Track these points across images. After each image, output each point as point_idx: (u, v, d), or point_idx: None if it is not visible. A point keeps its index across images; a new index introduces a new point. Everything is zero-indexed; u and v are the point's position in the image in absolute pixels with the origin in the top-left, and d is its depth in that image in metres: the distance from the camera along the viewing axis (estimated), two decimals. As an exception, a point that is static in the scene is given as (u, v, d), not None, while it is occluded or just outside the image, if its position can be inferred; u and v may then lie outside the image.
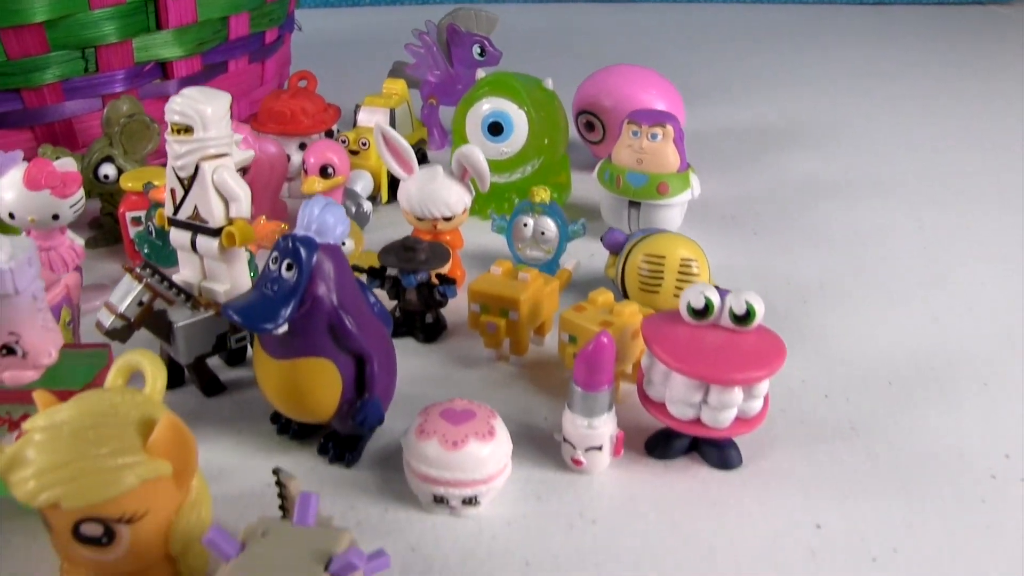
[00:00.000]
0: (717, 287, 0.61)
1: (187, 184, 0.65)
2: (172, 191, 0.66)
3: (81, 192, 0.77)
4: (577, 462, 0.61)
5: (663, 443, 0.63)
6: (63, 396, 0.54)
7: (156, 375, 0.54)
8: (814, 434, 0.65)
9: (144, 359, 0.55)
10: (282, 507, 0.55)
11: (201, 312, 0.67)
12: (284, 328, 0.57)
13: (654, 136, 0.83)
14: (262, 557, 0.46)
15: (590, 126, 0.98)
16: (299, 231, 0.58)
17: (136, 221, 0.83)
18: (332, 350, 0.59)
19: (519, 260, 0.82)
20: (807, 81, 1.71)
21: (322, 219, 0.58)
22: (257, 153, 0.87)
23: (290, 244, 0.57)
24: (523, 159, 0.90)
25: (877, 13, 2.43)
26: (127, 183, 0.83)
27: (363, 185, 0.89)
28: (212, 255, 0.66)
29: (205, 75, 1.03)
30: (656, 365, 0.60)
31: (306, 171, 0.85)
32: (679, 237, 0.71)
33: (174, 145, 0.63)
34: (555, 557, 0.55)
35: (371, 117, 0.93)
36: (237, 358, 0.72)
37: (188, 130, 0.62)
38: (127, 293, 0.65)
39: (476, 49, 1.00)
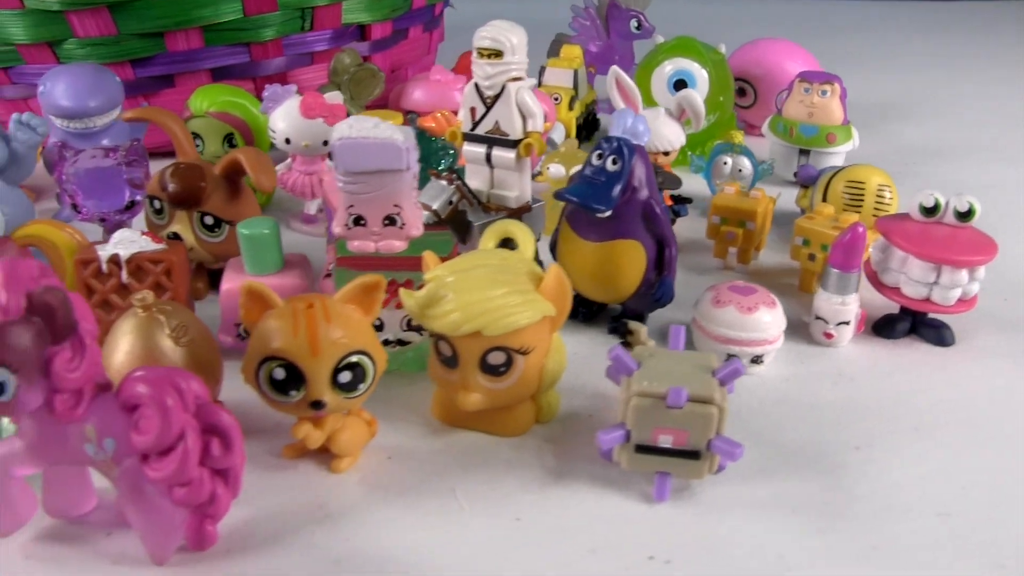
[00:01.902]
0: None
1: (490, 103, 0.76)
2: (472, 109, 0.77)
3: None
4: (828, 335, 0.74)
5: (889, 325, 0.76)
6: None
7: (527, 240, 0.65)
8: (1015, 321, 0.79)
9: (514, 227, 0.66)
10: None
11: (492, 215, 0.78)
12: (609, 212, 0.68)
13: (824, 92, 0.97)
14: (660, 368, 0.57)
15: (742, 91, 1.12)
16: (616, 134, 0.70)
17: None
18: (642, 234, 0.70)
19: (715, 193, 0.94)
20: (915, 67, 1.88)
21: (634, 126, 0.70)
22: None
23: (615, 143, 0.69)
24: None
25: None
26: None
27: (558, 134, 1.01)
28: (507, 165, 0.77)
29: (393, 39, 1.14)
30: (893, 254, 0.73)
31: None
32: (873, 167, 0.85)
33: (485, 67, 0.74)
34: (830, 404, 0.67)
35: (557, 77, 1.06)
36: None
37: (498, 54, 0.74)
38: (440, 193, 0.75)
39: (633, 23, 1.14)
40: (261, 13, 1.01)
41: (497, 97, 0.75)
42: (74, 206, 0.82)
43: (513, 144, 0.76)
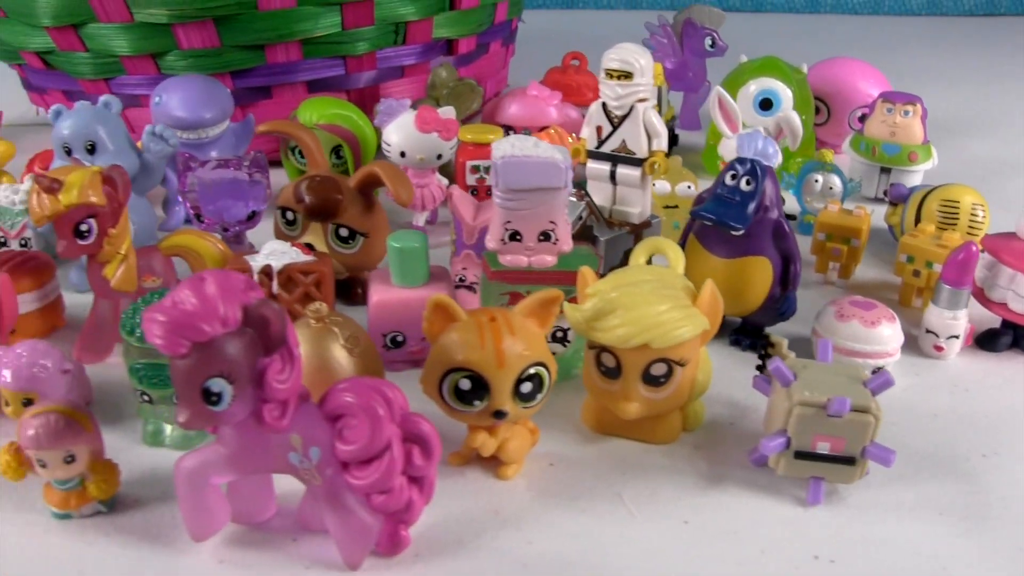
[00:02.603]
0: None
1: (617, 122, 0.79)
2: (598, 128, 0.80)
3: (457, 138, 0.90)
4: (939, 348, 0.77)
5: (992, 339, 0.80)
6: (573, 278, 0.68)
7: (678, 256, 0.68)
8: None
9: (664, 243, 0.69)
10: (760, 367, 0.69)
11: (616, 230, 0.81)
12: (743, 230, 0.72)
13: (906, 112, 1.01)
14: (816, 379, 0.61)
15: (815, 110, 1.15)
16: (747, 155, 0.73)
17: (475, 169, 0.96)
18: (771, 250, 0.74)
19: (806, 211, 0.98)
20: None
21: (764, 149, 0.74)
22: (562, 118, 1.02)
23: (748, 164, 0.72)
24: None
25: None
26: (466, 135, 0.96)
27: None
28: (632, 183, 0.80)
29: (476, 53, 1.17)
30: (1001, 271, 0.77)
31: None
32: (965, 187, 0.89)
33: (615, 88, 0.77)
34: (949, 413, 0.71)
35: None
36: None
37: (628, 76, 0.77)
38: (571, 209, 0.78)
39: (708, 41, 1.17)
40: (358, 27, 1.04)
41: (625, 117, 0.79)
42: (197, 216, 0.84)
43: (638, 162, 0.79)
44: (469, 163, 0.97)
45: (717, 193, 0.73)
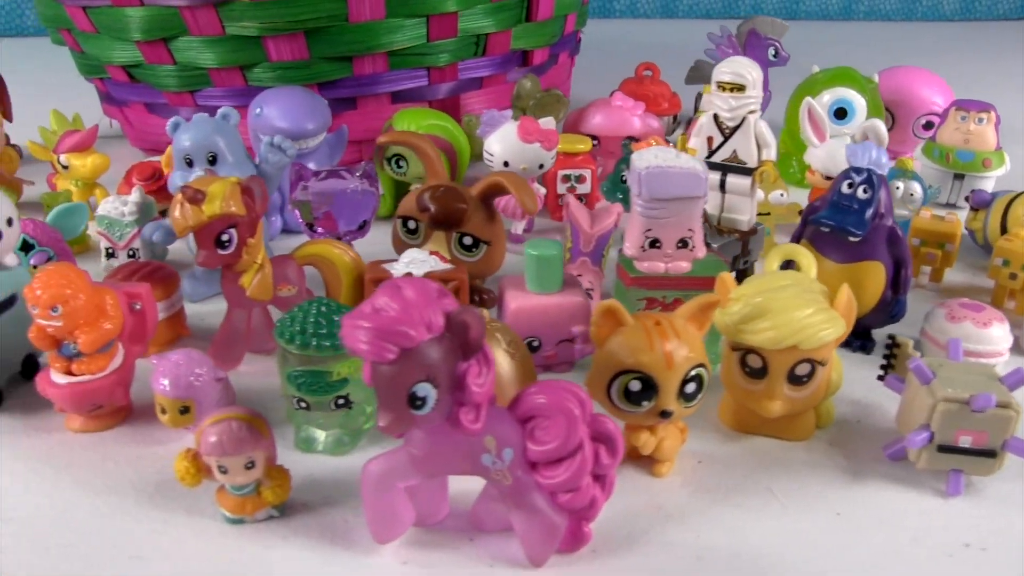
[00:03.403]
0: None
1: (728, 133, 0.82)
2: (709, 138, 0.83)
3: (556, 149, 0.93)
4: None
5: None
6: (709, 283, 0.71)
7: (810, 262, 0.71)
8: None
9: (796, 250, 0.72)
10: (885, 366, 0.72)
11: (725, 237, 0.83)
12: (862, 236, 0.75)
13: (980, 120, 1.05)
14: (954, 377, 0.64)
15: (879, 118, 1.20)
16: (862, 164, 0.76)
17: (566, 178, 0.99)
18: (884, 255, 0.77)
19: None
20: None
21: (878, 159, 0.77)
22: (644, 128, 1.04)
23: (865, 174, 0.75)
24: (861, 140, 1.09)
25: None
26: (559, 146, 0.99)
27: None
28: (741, 191, 0.83)
29: (548, 64, 1.19)
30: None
31: (693, 141, 1.03)
32: (1050, 191, 0.93)
33: (728, 100, 0.80)
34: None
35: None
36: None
37: (741, 88, 0.80)
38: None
39: (771, 51, 1.20)
40: (442, 39, 1.06)
41: (736, 128, 0.82)
42: (310, 226, 0.86)
43: (748, 171, 0.82)
44: (561, 172, 1.00)
45: (833, 200, 0.76)
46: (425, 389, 0.50)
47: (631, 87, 1.13)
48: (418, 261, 0.72)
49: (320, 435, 0.68)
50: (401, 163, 0.96)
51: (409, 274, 0.72)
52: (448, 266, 0.73)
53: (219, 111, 0.83)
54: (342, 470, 0.66)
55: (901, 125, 1.18)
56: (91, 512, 0.62)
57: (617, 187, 0.92)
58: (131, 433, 0.71)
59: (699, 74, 1.26)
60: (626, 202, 0.95)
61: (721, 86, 0.80)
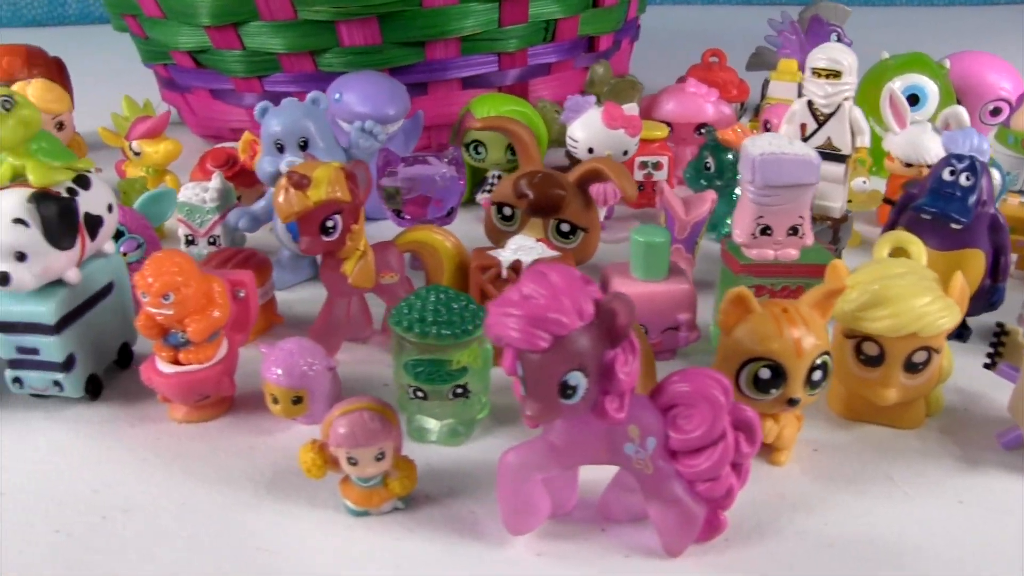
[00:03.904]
0: None
1: (822, 119, 0.81)
2: (803, 125, 0.82)
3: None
4: None
5: None
6: (817, 270, 0.71)
7: (920, 250, 0.71)
8: None
9: (906, 238, 0.72)
10: (992, 355, 0.72)
11: (817, 224, 0.83)
12: (965, 223, 0.75)
13: (1054, 106, 1.05)
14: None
15: (944, 104, 1.19)
16: (963, 151, 0.76)
17: (643, 165, 0.98)
18: (984, 242, 0.77)
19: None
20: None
21: (979, 145, 0.77)
22: (717, 114, 1.04)
23: (967, 161, 0.75)
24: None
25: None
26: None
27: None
28: (835, 178, 0.83)
29: (612, 50, 1.19)
30: None
31: (769, 129, 1.03)
32: None
33: (824, 87, 0.80)
34: None
35: (782, 90, 1.11)
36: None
37: (837, 75, 0.80)
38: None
39: (833, 37, 1.20)
40: (513, 24, 1.05)
41: (831, 115, 0.81)
42: (397, 212, 0.85)
43: (842, 158, 0.82)
44: (638, 159, 0.99)
45: (934, 188, 0.76)
46: (576, 378, 0.49)
47: (700, 73, 1.13)
48: (526, 248, 0.72)
49: (433, 424, 0.67)
50: (480, 149, 0.95)
51: (518, 261, 0.71)
52: (555, 253, 0.72)
53: (308, 95, 0.82)
54: (459, 460, 0.66)
55: (968, 112, 1.17)
56: (210, 503, 0.62)
57: (700, 174, 0.91)
58: (236, 423, 0.70)
59: (761, 60, 1.25)
60: (713, 188, 0.95)
61: (816, 72, 0.80)
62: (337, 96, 0.92)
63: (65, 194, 0.69)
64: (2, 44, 1.13)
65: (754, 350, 0.60)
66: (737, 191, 0.91)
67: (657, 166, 0.97)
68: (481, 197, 0.97)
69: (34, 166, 0.69)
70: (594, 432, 0.54)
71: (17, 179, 0.70)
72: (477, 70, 1.07)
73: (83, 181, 0.71)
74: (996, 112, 1.13)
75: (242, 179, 0.97)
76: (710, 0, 2.50)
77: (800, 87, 1.15)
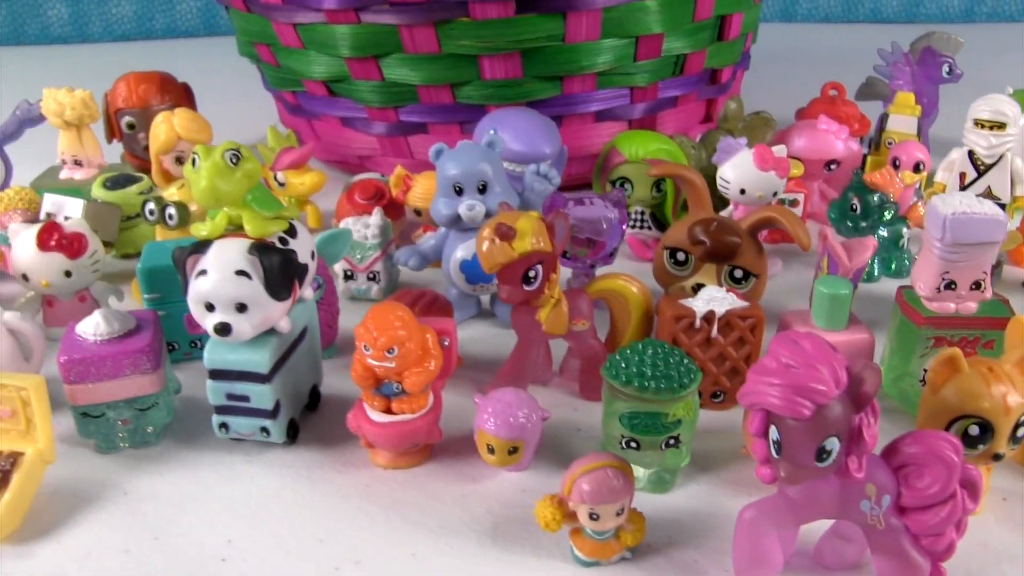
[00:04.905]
0: None
1: (984, 169, 0.84)
2: (962, 174, 0.85)
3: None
4: None
5: None
6: (996, 323, 0.73)
7: None
8: None
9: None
10: None
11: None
12: None
13: None
14: None
15: None
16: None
17: (780, 202, 1.01)
18: None
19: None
20: None
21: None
22: (846, 151, 1.06)
23: None
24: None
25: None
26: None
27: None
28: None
29: (728, 85, 1.21)
30: None
31: (897, 167, 1.05)
32: None
33: (988, 138, 0.83)
34: None
35: (902, 124, 1.14)
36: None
37: (1002, 127, 0.82)
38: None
39: (944, 68, 1.22)
40: (648, 59, 1.07)
41: (992, 165, 0.84)
42: (563, 253, 0.88)
43: (1001, 207, 0.85)
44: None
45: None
46: (833, 443, 0.53)
47: (823, 108, 1.15)
48: (718, 299, 0.75)
49: (641, 472, 0.70)
50: (626, 186, 0.97)
51: (711, 312, 0.74)
52: (745, 304, 0.75)
53: (484, 139, 0.84)
54: (668, 508, 0.69)
55: None
56: (437, 554, 0.64)
57: (846, 215, 0.94)
58: (442, 470, 0.73)
59: (872, 91, 1.27)
60: (859, 232, 0.96)
61: (979, 123, 0.83)
62: (491, 133, 0.94)
63: (279, 244, 0.71)
64: (136, 72, 1.14)
65: (965, 407, 0.63)
66: (883, 232, 0.94)
67: (794, 203, 1.00)
68: (628, 233, 0.99)
69: (250, 216, 0.71)
70: (832, 490, 0.58)
71: (230, 229, 0.72)
72: (610, 104, 1.09)
73: (291, 230, 0.73)
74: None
75: (389, 212, 0.99)
76: (786, 18, 2.49)
77: (920, 123, 1.19)
